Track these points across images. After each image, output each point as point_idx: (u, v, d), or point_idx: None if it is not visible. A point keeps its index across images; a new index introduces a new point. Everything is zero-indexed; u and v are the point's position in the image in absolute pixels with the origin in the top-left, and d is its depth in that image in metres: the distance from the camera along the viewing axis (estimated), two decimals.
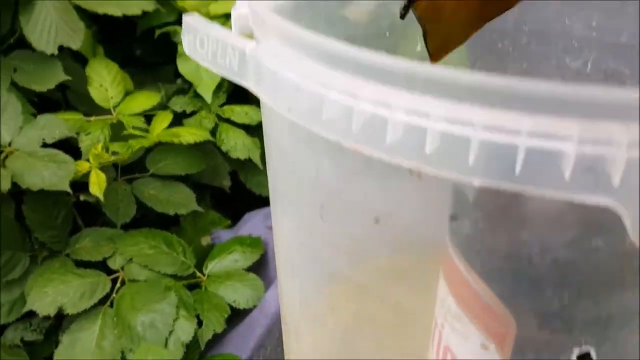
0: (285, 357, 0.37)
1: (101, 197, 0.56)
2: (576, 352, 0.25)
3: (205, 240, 0.67)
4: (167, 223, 0.65)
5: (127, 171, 0.64)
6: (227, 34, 0.24)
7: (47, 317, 0.60)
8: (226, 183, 0.71)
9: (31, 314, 0.62)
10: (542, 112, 0.18)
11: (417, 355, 0.28)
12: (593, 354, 0.25)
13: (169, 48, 0.69)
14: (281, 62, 0.21)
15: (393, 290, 0.28)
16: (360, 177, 0.26)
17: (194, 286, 0.60)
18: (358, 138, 0.20)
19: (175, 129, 0.61)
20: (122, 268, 0.58)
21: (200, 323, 0.56)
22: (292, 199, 0.29)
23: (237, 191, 0.73)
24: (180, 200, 0.64)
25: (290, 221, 0.31)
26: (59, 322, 0.59)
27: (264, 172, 0.66)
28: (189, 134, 0.60)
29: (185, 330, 0.55)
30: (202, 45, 0.24)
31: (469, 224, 0.24)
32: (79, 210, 0.62)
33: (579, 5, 0.33)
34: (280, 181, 0.30)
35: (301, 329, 0.33)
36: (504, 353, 0.25)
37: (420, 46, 0.37)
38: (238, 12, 0.26)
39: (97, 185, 0.56)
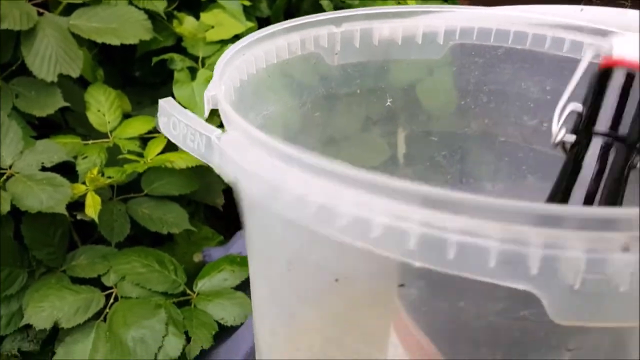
0: None
1: (96, 219, 0.59)
2: None
3: (197, 257, 0.70)
4: (162, 238, 0.68)
5: (122, 191, 0.67)
6: (196, 120, 0.27)
7: (43, 329, 0.63)
8: (219, 201, 0.74)
9: (28, 325, 0.66)
10: (471, 215, 0.21)
11: None
12: None
13: (167, 70, 0.72)
14: (241, 152, 0.24)
15: (350, 338, 0.31)
16: (320, 243, 0.29)
17: (183, 303, 0.63)
18: (311, 221, 0.23)
19: (168, 155, 0.64)
20: (116, 285, 0.62)
21: (188, 339, 0.59)
22: (264, 254, 0.32)
23: (231, 206, 0.77)
24: (174, 220, 0.67)
25: (263, 270, 0.34)
26: (55, 332, 0.62)
27: None
28: (181, 160, 0.63)
29: (173, 346, 0.58)
30: (174, 128, 0.28)
31: (415, 291, 0.27)
32: (75, 228, 0.66)
33: (534, 71, 0.36)
34: (254, 237, 0.33)
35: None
36: None
37: (390, 102, 0.40)
38: (210, 94, 0.29)
39: (93, 208, 0.59)
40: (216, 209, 0.77)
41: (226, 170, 0.25)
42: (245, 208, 0.32)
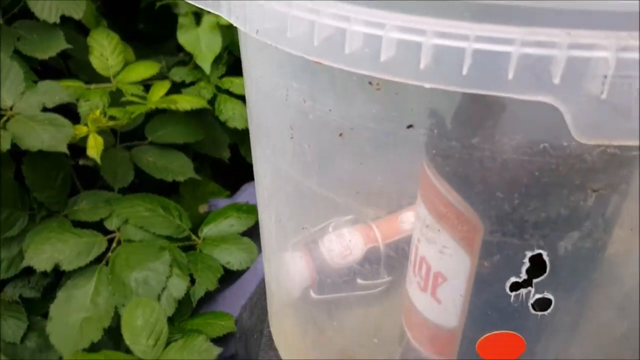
0: (267, 287, 0.38)
1: (98, 160, 0.58)
2: (529, 255, 0.26)
3: (202, 208, 0.68)
4: (167, 191, 0.67)
5: (126, 139, 0.66)
6: None
7: (44, 275, 0.62)
8: (225, 154, 0.72)
9: (30, 272, 0.64)
10: (488, 20, 0.19)
11: None
12: (545, 257, 0.26)
13: (172, 22, 0.70)
14: None
15: (356, 201, 0.29)
16: (325, 94, 0.27)
17: (188, 248, 0.61)
18: (319, 51, 0.21)
19: (172, 96, 0.62)
20: (118, 229, 0.60)
21: (193, 282, 0.57)
22: (266, 128, 0.31)
23: (237, 164, 0.75)
24: (178, 168, 0.65)
25: (264, 149, 0.32)
26: (57, 280, 0.61)
27: None
28: (185, 101, 0.61)
29: (177, 287, 0.56)
30: None
31: (424, 131, 0.25)
32: (78, 175, 0.64)
33: None
34: (256, 114, 0.31)
35: (276, 251, 0.34)
36: (473, 255, 0.26)
37: None
38: None
39: (95, 149, 0.58)
40: (222, 167, 0.75)
41: (235, 14, 0.24)
42: (251, 89, 0.31)
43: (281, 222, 0.33)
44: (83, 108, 0.60)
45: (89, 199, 0.61)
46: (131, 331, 0.51)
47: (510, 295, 0.27)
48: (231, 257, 0.60)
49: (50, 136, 0.57)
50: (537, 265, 0.26)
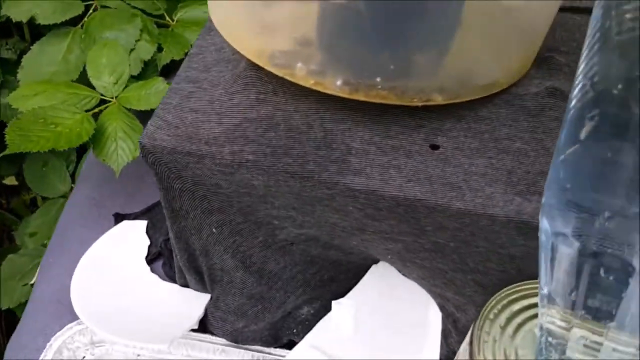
0: None
1: None
2: None
3: None
4: None
5: None
6: None
7: (22, 38, 0.65)
8: None
9: (9, 34, 0.67)
10: None
11: None
12: None
13: None
14: None
15: None
16: None
17: (161, 27, 0.63)
18: None
19: None
20: None
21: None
22: None
23: None
24: None
25: None
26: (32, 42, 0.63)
27: None
28: None
29: (145, 50, 0.59)
30: None
31: None
32: None
33: None
34: None
35: None
36: None
37: None
38: None
39: None
40: None
41: None
42: None
43: None
44: None
45: None
46: (95, 68, 0.53)
47: None
48: None
49: None
50: None
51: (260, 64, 0.34)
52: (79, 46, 0.59)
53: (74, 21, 0.61)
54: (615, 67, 0.24)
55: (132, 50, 0.59)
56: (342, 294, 0.45)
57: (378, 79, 0.32)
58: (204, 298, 0.44)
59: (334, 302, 0.44)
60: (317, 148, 0.34)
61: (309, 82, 0.33)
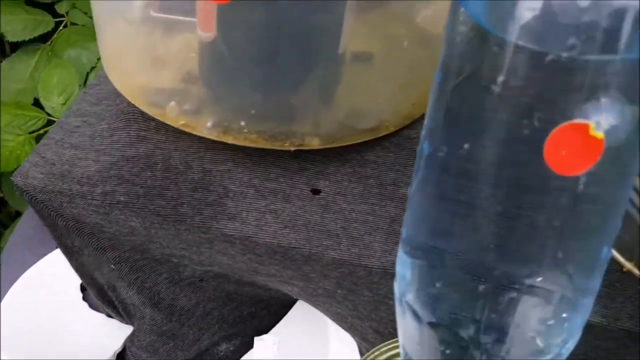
0: None
1: None
2: None
3: None
4: None
5: None
6: None
7: (2, 54, 0.65)
8: None
9: None
10: None
11: None
12: None
13: None
14: None
15: None
16: None
17: None
18: None
19: None
20: (67, 13, 0.62)
21: None
22: None
23: None
24: None
25: None
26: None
27: None
28: None
29: None
30: None
31: None
32: None
33: None
34: None
35: None
36: None
37: None
38: None
39: None
40: None
41: None
42: None
43: None
44: None
45: None
46: (45, 89, 0.53)
47: None
48: None
49: None
50: None
51: (134, 102, 0.33)
52: (46, 64, 0.60)
53: (45, 37, 0.61)
54: None
55: (92, 68, 0.58)
56: (264, 330, 0.43)
57: (242, 123, 0.30)
58: (126, 331, 0.43)
59: (256, 339, 0.42)
60: (194, 190, 0.32)
61: (179, 123, 0.31)
